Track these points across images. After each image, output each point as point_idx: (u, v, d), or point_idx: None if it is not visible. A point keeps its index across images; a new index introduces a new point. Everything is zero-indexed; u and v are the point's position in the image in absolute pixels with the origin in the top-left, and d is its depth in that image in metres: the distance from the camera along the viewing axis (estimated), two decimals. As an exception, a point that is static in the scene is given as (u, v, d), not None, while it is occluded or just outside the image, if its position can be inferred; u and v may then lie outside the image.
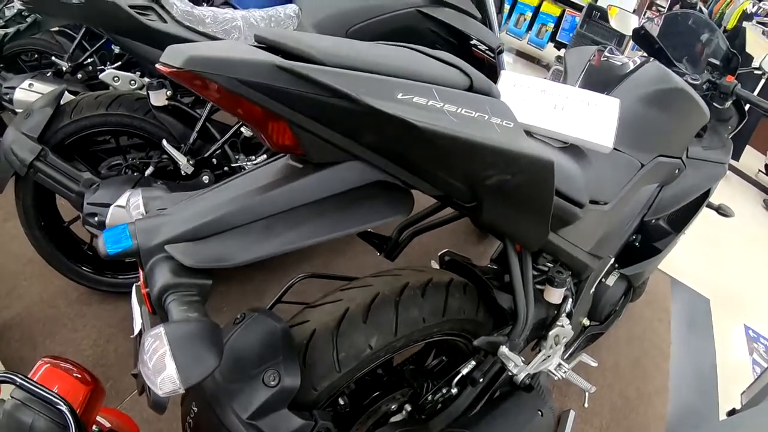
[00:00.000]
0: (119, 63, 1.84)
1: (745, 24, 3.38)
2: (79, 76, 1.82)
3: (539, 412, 1.06)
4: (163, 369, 0.50)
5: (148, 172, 1.50)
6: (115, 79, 1.79)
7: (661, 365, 2.13)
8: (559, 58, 4.92)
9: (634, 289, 1.62)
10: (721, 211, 1.80)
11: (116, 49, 1.89)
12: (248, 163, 1.51)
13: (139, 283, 0.81)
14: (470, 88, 0.66)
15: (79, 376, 0.73)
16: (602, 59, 1.35)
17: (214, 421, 0.71)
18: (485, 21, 1.71)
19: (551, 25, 4.99)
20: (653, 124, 1.24)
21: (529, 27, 5.23)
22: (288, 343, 0.73)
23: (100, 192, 1.32)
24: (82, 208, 1.43)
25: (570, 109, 1.00)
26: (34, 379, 0.64)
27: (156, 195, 0.74)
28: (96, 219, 1.31)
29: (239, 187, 0.65)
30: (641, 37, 1.74)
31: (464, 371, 1.03)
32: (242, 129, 1.51)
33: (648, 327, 2.30)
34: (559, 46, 5.08)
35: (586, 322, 1.44)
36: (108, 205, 1.31)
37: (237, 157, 1.51)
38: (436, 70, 0.65)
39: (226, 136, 1.45)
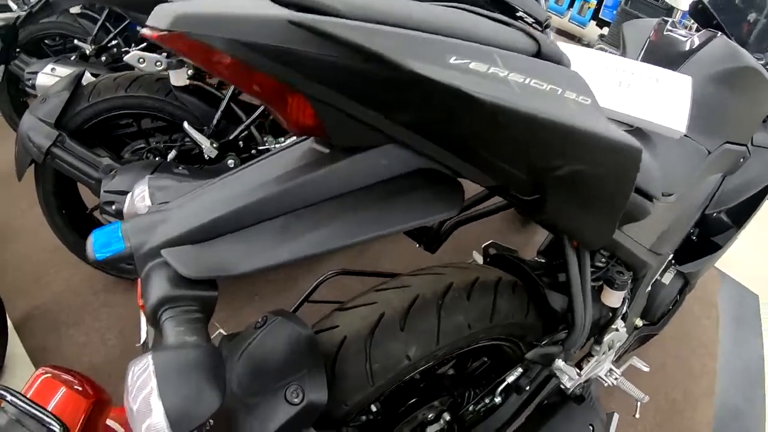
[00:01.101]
0: (144, 44, 1.77)
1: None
2: (104, 59, 1.76)
3: (590, 427, 0.96)
4: (149, 413, 0.40)
5: (170, 156, 1.44)
6: (141, 60, 1.70)
7: (708, 365, 2.00)
8: (602, 36, 4.68)
9: (690, 286, 1.49)
10: None
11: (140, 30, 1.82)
12: (276, 145, 1.43)
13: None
14: (537, 55, 0.53)
15: (80, 388, 0.66)
16: (664, 33, 1.21)
17: None
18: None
19: (594, 2, 4.74)
20: (722, 107, 1.11)
21: (571, 4, 4.98)
22: (314, 354, 0.63)
23: (117, 178, 1.25)
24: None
25: (637, 88, 0.88)
26: (30, 392, 0.56)
27: (164, 184, 0.66)
28: (114, 207, 1.24)
29: (252, 178, 0.55)
30: (699, 11, 1.58)
31: (510, 379, 0.93)
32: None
33: (696, 324, 2.16)
34: (601, 24, 4.81)
35: (639, 322, 1.32)
36: (126, 193, 1.26)
37: (265, 138, 1.43)
38: (496, 31, 0.51)
39: (253, 116, 1.37)
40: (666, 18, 1.31)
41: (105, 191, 1.23)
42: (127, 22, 1.76)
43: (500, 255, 1.06)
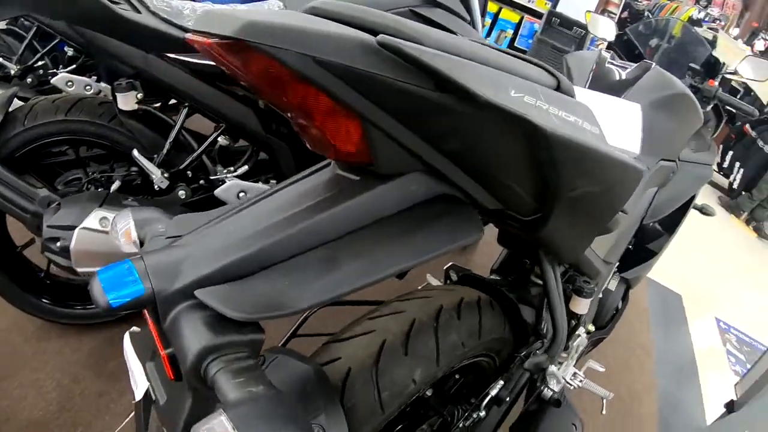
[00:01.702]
0: (73, 66, 1.64)
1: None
2: (29, 80, 1.61)
3: (574, 426, 1.00)
4: None
5: (114, 187, 1.33)
6: (69, 84, 1.59)
7: (645, 363, 2.16)
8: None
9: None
10: (705, 210, 1.84)
11: (69, 51, 1.69)
12: (228, 175, 1.37)
13: (135, 330, 0.68)
14: (558, 89, 0.58)
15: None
16: (606, 65, 1.33)
17: None
18: (472, 23, 1.65)
19: (510, 32, 5.05)
20: (658, 129, 1.23)
21: (488, 33, 5.28)
22: (327, 389, 0.61)
23: (61, 212, 1.15)
24: (38, 230, 1.25)
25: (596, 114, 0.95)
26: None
27: (150, 217, 0.61)
28: (58, 244, 1.13)
29: (280, 208, 0.52)
30: (623, 42, 1.75)
31: (493, 392, 0.95)
32: (219, 138, 1.37)
33: (630, 326, 2.33)
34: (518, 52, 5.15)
35: (591, 328, 1.42)
36: (72, 228, 1.15)
37: (216, 168, 1.36)
38: (528, 68, 0.56)
39: (204, 144, 1.30)
40: (606, 51, 1.44)
41: (48, 226, 1.13)
42: (56, 41, 1.63)
43: (468, 275, 1.10)
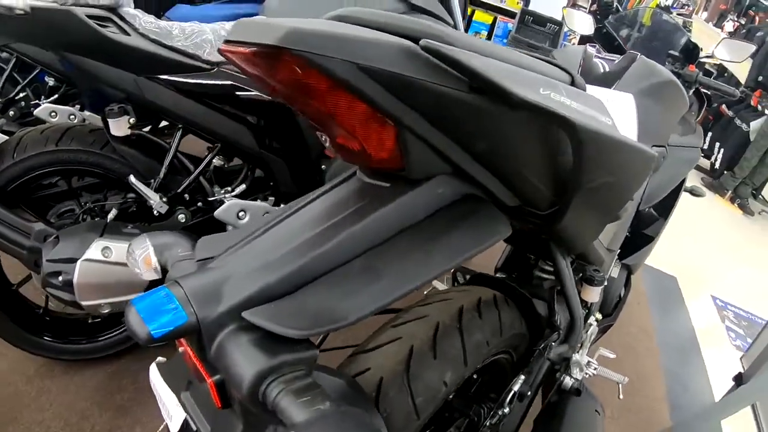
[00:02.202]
0: (55, 96, 1.62)
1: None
2: (11, 113, 1.58)
3: (597, 412, 1.01)
4: None
5: (110, 216, 1.31)
6: (53, 114, 1.57)
7: (650, 346, 2.19)
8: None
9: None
10: (695, 192, 1.88)
11: (50, 81, 1.66)
12: (226, 195, 1.36)
13: (161, 361, 0.66)
14: (572, 84, 0.59)
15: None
16: (593, 59, 1.36)
17: None
18: (455, 27, 1.67)
19: (484, 33, 5.12)
20: (649, 116, 1.25)
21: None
22: (364, 401, 0.60)
23: (61, 245, 1.12)
24: (36, 266, 1.22)
25: (591, 106, 0.97)
26: None
27: (168, 241, 0.60)
28: (60, 278, 1.11)
29: (312, 221, 0.52)
30: (602, 35, 1.79)
31: (515, 388, 0.96)
32: (214, 159, 1.36)
33: (631, 312, 2.36)
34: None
35: (598, 316, 1.43)
36: (73, 260, 1.13)
37: (213, 189, 1.35)
38: (546, 66, 0.57)
39: (201, 166, 1.29)
40: (591, 45, 1.47)
41: (48, 261, 1.10)
42: (36, 72, 1.60)
43: (479, 275, 1.10)
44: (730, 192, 4.67)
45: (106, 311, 1.17)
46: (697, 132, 1.71)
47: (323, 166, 1.39)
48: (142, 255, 0.60)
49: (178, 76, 1.14)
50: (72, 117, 1.61)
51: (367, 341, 0.76)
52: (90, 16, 1.00)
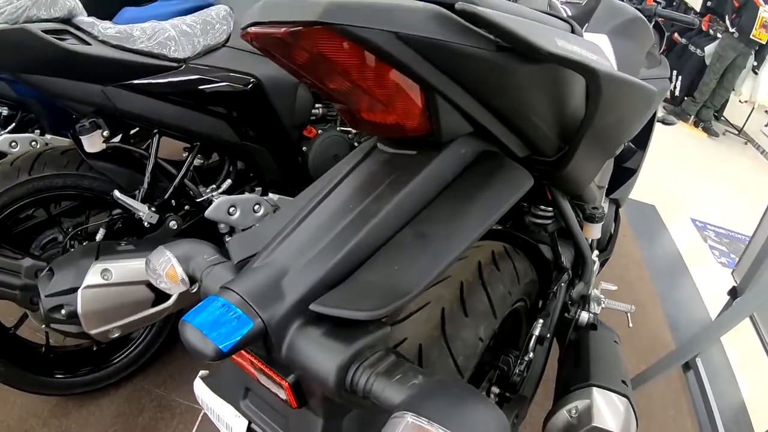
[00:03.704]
0: (12, 125, 1.54)
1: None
2: (-35, 149, 1.49)
3: (615, 342, 1.05)
4: None
5: (99, 236, 1.27)
6: (13, 144, 1.50)
7: (641, 275, 2.27)
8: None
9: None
10: (666, 121, 1.93)
11: (3, 111, 1.58)
12: (213, 193, 1.33)
13: (205, 374, 0.64)
14: (572, 32, 0.61)
15: None
16: (561, 5, 1.37)
17: None
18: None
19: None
20: (621, 53, 1.28)
21: None
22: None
23: (57, 277, 1.08)
24: (32, 304, 1.18)
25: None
26: None
27: (190, 249, 0.58)
28: (63, 312, 1.07)
29: (348, 202, 0.52)
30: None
31: (536, 332, 0.99)
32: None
33: (618, 245, 2.43)
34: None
35: (596, 252, 1.48)
36: (74, 290, 1.09)
37: (200, 189, 1.32)
38: (549, 17, 0.59)
39: (184, 168, 1.25)
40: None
41: (47, 296, 1.06)
42: (-12, 105, 1.52)
43: None
44: (692, 117, 4.82)
45: (116, 335, 1.15)
46: (662, 63, 1.75)
47: (304, 148, 1.37)
48: (165, 268, 0.58)
49: (147, 79, 1.09)
50: (34, 144, 1.54)
51: (396, 312, 0.76)
52: (45, 31, 0.94)
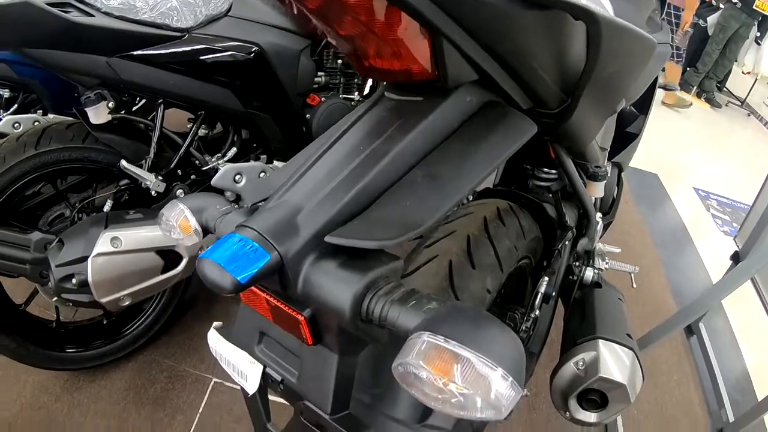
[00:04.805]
0: (15, 107, 1.55)
1: None
2: (-31, 131, 1.50)
3: (620, 300, 1.07)
4: (484, 386, 0.36)
5: (107, 207, 1.28)
6: (16, 125, 1.51)
7: (645, 241, 2.29)
8: None
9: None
10: (668, 87, 1.93)
11: (5, 93, 1.58)
12: (219, 162, 1.34)
13: (219, 325, 0.65)
14: None
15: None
16: None
17: None
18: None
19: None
20: (620, 14, 1.26)
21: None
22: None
23: (67, 247, 1.10)
24: (43, 278, 1.19)
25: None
26: None
27: (203, 201, 0.59)
28: (74, 281, 1.09)
29: (358, 145, 0.53)
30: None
31: (542, 290, 1.00)
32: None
33: (620, 211, 2.44)
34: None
35: (599, 215, 1.49)
36: (84, 259, 1.11)
37: (206, 158, 1.33)
38: None
39: (190, 136, 1.26)
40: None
41: (58, 266, 1.08)
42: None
43: (487, 189, 1.13)
44: (695, 87, 4.78)
45: (126, 303, 1.17)
46: (664, 29, 1.74)
47: (307, 116, 1.38)
48: (177, 219, 0.59)
49: (150, 50, 1.09)
50: (37, 123, 1.54)
51: (405, 266, 0.77)
52: (49, 4, 0.94)
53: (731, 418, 1.53)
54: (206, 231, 0.58)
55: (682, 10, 3.85)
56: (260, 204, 0.52)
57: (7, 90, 1.63)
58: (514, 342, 0.39)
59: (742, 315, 1.97)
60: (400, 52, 0.51)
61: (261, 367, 0.58)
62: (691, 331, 1.86)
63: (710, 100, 4.82)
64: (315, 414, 0.54)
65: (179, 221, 0.59)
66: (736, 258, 1.66)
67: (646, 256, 2.17)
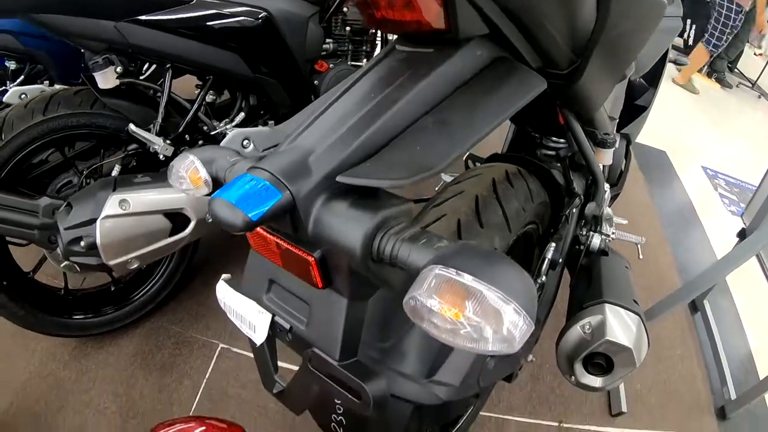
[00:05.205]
0: (21, 78, 1.55)
1: None
2: (-23, 101, 1.50)
3: (626, 268, 1.07)
4: (496, 319, 0.36)
5: (115, 172, 1.28)
6: (22, 96, 1.52)
7: (652, 220, 2.28)
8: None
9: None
10: (678, 62, 1.89)
11: (11, 65, 1.58)
12: (227, 126, 1.33)
13: (228, 277, 0.65)
14: None
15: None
16: None
17: None
18: None
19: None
20: None
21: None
22: None
23: (75, 211, 1.10)
24: (51, 243, 1.20)
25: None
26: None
27: (213, 153, 0.58)
28: (82, 243, 1.10)
29: (371, 92, 0.53)
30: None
31: (548, 255, 1.00)
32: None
33: (629, 189, 2.43)
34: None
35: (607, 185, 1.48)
36: (93, 221, 1.11)
37: (213, 123, 1.32)
38: None
39: (198, 101, 1.25)
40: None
41: (66, 229, 1.08)
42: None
43: (495, 155, 1.13)
44: (706, 67, 4.70)
45: (135, 266, 1.17)
46: (675, 2, 1.70)
47: (315, 82, 1.38)
48: (188, 170, 0.58)
49: (159, 14, 1.08)
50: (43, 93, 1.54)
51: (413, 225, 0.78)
52: (56, -32, 0.93)
53: (733, 396, 1.54)
54: (216, 183, 0.58)
55: (743, 9, 3.76)
56: (271, 149, 0.52)
57: (14, 61, 1.63)
58: (526, 279, 0.39)
59: (747, 295, 1.97)
60: (412, 3, 0.51)
61: (270, 315, 0.59)
62: (695, 307, 1.86)
63: (721, 81, 4.75)
64: (323, 361, 0.54)
65: (189, 172, 0.59)
66: (742, 235, 1.65)
67: (652, 232, 2.16)
